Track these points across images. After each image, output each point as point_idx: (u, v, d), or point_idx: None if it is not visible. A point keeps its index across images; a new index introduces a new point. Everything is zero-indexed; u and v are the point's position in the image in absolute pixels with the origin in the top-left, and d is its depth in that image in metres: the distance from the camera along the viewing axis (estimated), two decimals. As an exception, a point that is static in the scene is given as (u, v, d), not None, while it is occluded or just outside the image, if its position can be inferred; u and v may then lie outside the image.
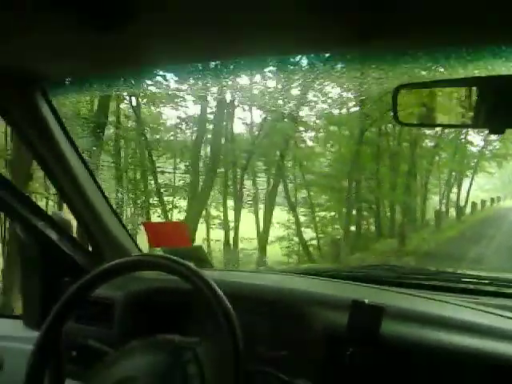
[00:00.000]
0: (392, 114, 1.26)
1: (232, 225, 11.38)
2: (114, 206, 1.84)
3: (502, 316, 1.29)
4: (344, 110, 12.49)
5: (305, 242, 12.23)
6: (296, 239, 12.35)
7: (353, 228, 12.53)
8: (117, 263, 1.27)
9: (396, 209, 13.73)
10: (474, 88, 1.14)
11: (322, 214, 13.15)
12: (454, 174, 17.24)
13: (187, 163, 11.22)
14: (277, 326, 1.42)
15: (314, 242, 12.60)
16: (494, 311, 1.32)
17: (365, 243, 11.92)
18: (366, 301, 1.22)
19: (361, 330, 1.22)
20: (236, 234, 11.32)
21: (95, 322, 1.63)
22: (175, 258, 1.23)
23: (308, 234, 12.77)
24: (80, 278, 1.25)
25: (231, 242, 11.15)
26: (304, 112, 12.14)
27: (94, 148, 7.84)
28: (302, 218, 12.86)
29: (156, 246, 2.09)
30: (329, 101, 12.00)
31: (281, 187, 12.21)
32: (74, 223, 1.84)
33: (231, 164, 11.28)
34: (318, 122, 12.56)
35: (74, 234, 1.86)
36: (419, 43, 1.04)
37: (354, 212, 12.63)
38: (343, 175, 12.07)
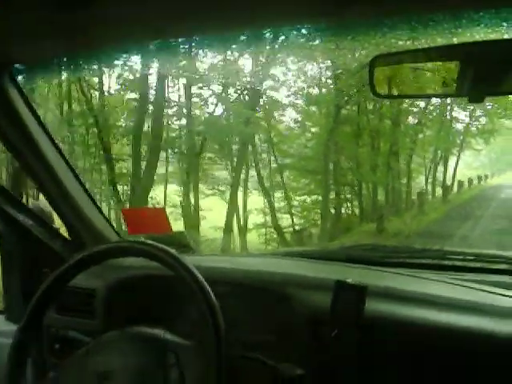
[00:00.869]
0: (369, 86, 1.24)
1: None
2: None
3: (487, 292, 1.34)
4: (319, 87, 12.56)
5: (280, 228, 12.21)
6: (271, 223, 12.37)
7: (333, 212, 12.57)
8: (94, 250, 1.30)
9: (378, 191, 13.76)
10: (455, 56, 1.15)
11: (302, 198, 13.25)
12: (439, 152, 17.42)
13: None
14: (260, 311, 1.45)
15: (292, 228, 12.59)
16: (479, 287, 1.36)
17: (345, 228, 11.94)
18: (349, 280, 1.25)
19: (345, 311, 1.24)
20: (197, 220, 11.22)
21: (77, 313, 1.64)
22: (155, 243, 1.25)
23: (286, 219, 12.84)
24: (58, 267, 1.27)
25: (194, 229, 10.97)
26: (277, 91, 12.15)
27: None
28: (281, 203, 12.95)
29: (135, 233, 2.11)
30: (302, 77, 12.11)
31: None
32: (54, 213, 1.85)
33: (190, 148, 11.08)
34: (291, 100, 12.57)
35: (54, 224, 1.89)
36: (396, 10, 1.03)
37: (334, 195, 12.65)
38: (320, 157, 12.02)
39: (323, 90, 12.64)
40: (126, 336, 1.29)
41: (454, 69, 1.15)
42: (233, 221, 11.48)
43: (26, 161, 1.66)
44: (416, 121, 15.00)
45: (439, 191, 17.32)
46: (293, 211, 13.06)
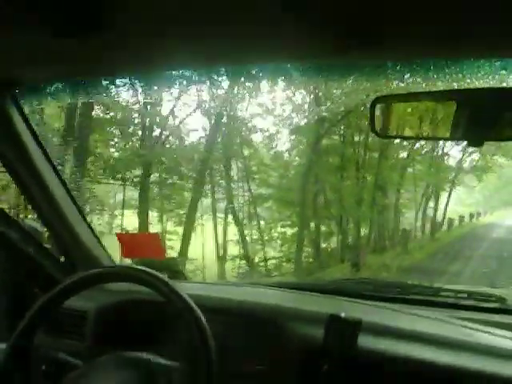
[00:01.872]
0: (370, 126, 1.29)
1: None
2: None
3: (479, 330, 1.37)
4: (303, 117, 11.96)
5: (252, 261, 11.53)
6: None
7: (310, 247, 11.93)
8: (88, 274, 1.32)
9: (361, 226, 13.04)
10: (453, 101, 1.17)
11: (283, 230, 12.57)
12: (430, 187, 16.85)
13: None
14: (252, 341, 1.46)
15: (264, 261, 11.98)
16: (471, 325, 1.40)
17: (322, 265, 11.25)
18: (343, 315, 1.26)
19: (337, 345, 1.26)
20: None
21: (67, 335, 1.66)
22: (148, 269, 1.28)
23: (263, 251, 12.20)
24: (48, 287, 1.29)
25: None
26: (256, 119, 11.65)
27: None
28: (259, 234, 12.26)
29: (129, 257, 2.14)
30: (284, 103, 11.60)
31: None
32: (46, 232, 1.86)
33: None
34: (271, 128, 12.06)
35: (46, 244, 1.87)
36: (398, 54, 1.10)
37: (314, 229, 12.01)
38: (300, 188, 11.41)
39: (306, 118, 11.99)
40: (116, 361, 1.31)
41: (453, 113, 1.16)
42: (187, 248, 10.69)
43: (22, 180, 1.68)
44: (405, 155, 14.44)
45: (427, 228, 16.61)
46: (272, 244, 12.41)
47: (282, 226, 12.57)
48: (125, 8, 0.89)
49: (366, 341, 1.27)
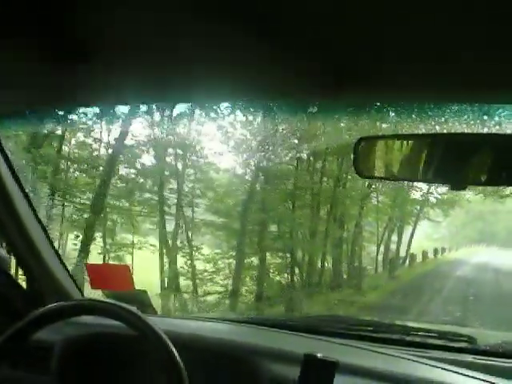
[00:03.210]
0: (353, 165, 1.30)
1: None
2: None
3: (449, 371, 1.41)
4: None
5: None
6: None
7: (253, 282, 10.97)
8: (57, 307, 1.31)
9: (314, 262, 12.09)
10: (437, 144, 1.20)
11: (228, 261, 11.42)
12: (394, 221, 15.93)
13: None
14: (226, 380, 1.45)
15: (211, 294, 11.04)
16: (441, 365, 1.44)
17: (262, 305, 10.15)
18: (319, 355, 1.26)
19: None
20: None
21: (32, 368, 1.61)
22: (119, 303, 1.29)
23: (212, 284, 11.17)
24: (15, 319, 1.28)
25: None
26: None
27: None
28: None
29: (97, 288, 2.10)
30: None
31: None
32: (12, 261, 1.79)
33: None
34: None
35: (12, 272, 1.81)
36: (385, 95, 1.15)
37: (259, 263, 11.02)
38: (244, 217, 10.51)
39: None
40: None
41: (436, 155, 1.19)
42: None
43: None
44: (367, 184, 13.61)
45: (387, 264, 15.70)
46: (217, 276, 11.36)
47: (229, 257, 11.55)
48: (100, 38, 0.87)
49: (340, 381, 1.26)
